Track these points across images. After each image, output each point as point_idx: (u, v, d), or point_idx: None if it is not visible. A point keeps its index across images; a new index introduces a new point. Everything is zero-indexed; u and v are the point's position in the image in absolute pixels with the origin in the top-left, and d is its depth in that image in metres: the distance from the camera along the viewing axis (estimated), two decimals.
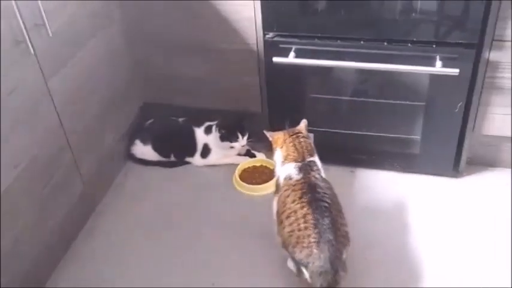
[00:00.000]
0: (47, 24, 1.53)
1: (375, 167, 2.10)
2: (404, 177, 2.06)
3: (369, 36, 1.79)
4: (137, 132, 2.22)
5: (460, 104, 1.83)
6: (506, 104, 1.81)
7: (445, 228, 1.85)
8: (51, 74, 1.63)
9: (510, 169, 2.04)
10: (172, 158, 2.21)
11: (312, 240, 1.48)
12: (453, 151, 1.97)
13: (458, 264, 1.72)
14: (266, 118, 2.11)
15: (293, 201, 1.57)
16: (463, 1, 1.65)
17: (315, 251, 1.47)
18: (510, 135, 1.90)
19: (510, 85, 1.76)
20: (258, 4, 1.83)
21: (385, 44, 1.77)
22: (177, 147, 2.20)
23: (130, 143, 2.21)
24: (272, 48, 1.88)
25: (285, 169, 1.67)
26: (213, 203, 2.03)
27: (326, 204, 1.54)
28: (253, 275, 1.73)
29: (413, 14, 1.70)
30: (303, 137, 1.72)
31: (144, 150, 2.20)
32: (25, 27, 1.45)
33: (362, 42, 1.79)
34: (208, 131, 2.17)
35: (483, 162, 2.05)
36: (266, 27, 1.87)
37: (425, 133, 1.96)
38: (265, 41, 1.89)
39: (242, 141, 2.10)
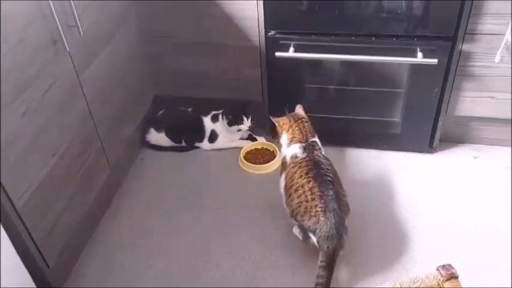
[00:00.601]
0: (79, 25, 1.51)
1: (361, 146, 2.14)
2: (387, 154, 2.11)
3: (359, 32, 1.81)
4: (151, 121, 2.21)
5: (436, 90, 1.88)
6: (475, 88, 1.87)
7: (424, 196, 1.91)
8: (82, 70, 1.61)
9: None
10: (183, 144, 2.21)
11: (319, 209, 1.52)
12: (429, 131, 2.03)
13: (436, 223, 1.79)
14: (266, 105, 2.12)
15: (300, 177, 1.60)
16: (441, 0, 1.69)
17: (322, 218, 1.51)
18: (481, 116, 1.97)
19: (479, 72, 1.82)
20: (261, 5, 1.83)
21: (373, 38, 1.80)
22: (187, 134, 2.20)
23: (145, 131, 2.20)
24: (273, 44, 1.89)
25: (291, 149, 1.70)
26: (222, 181, 2.04)
27: (329, 178, 1.58)
28: (264, 242, 1.76)
29: (398, 12, 1.73)
30: (306, 121, 1.75)
31: (157, 137, 2.20)
32: (61, 28, 1.43)
33: (353, 37, 1.82)
34: (214, 119, 2.18)
35: (454, 140, 2.11)
36: (268, 26, 1.87)
37: (405, 116, 2.01)
38: (267, 38, 1.90)
39: (247, 123, 2.11)
